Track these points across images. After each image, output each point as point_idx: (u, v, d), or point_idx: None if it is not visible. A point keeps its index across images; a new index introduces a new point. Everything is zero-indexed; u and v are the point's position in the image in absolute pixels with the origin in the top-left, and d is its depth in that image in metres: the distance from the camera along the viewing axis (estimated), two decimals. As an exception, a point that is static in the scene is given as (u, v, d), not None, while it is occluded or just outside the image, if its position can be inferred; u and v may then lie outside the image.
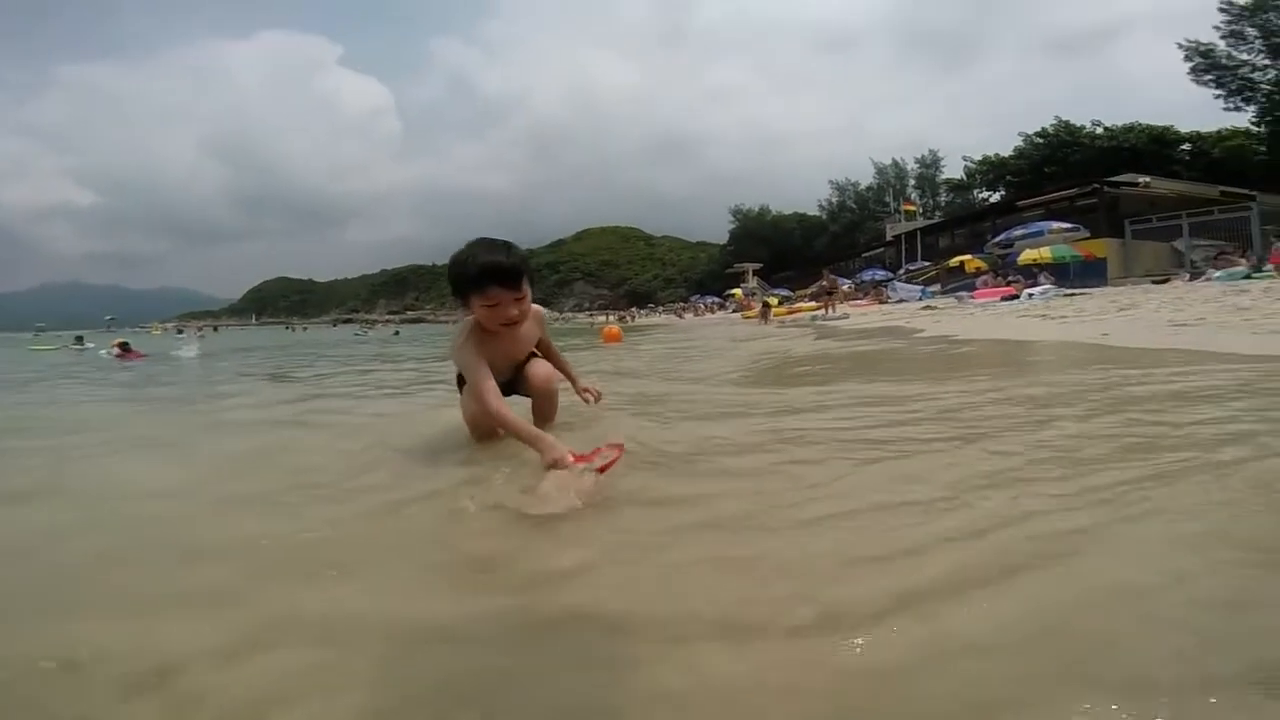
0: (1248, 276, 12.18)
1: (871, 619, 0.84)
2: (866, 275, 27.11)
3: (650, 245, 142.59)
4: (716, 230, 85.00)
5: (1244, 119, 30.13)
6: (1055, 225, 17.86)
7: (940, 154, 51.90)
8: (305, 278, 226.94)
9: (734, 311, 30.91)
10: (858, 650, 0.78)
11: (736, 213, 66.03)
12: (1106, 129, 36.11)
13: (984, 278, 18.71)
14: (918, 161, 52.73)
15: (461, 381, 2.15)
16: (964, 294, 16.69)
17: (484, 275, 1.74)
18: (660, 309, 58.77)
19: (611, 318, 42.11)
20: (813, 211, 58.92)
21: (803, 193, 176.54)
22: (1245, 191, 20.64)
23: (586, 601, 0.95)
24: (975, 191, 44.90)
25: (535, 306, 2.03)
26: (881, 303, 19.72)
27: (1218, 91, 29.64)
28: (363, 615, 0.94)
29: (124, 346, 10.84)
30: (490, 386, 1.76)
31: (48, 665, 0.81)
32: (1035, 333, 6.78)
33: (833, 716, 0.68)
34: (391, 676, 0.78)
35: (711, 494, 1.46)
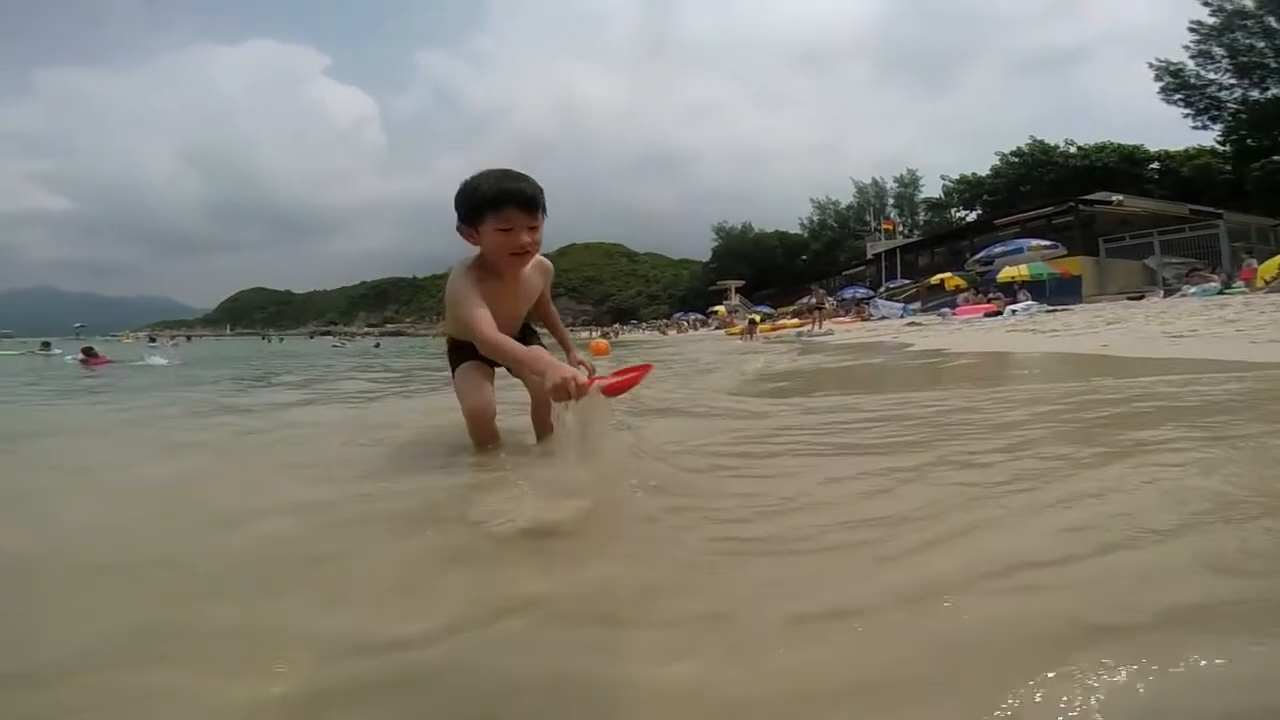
0: (1220, 292, 12.49)
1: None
2: (848, 293, 27.20)
3: (634, 261, 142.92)
4: (699, 247, 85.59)
5: (1210, 138, 30.98)
6: (1034, 242, 18.17)
7: (919, 173, 53.01)
8: (283, 289, 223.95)
9: (716, 328, 30.97)
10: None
11: (719, 230, 66.48)
12: (1080, 148, 36.92)
13: (964, 295, 18.87)
14: (897, 180, 53.78)
15: (454, 366, 1.99)
16: (946, 311, 16.85)
17: (504, 196, 1.64)
18: (644, 325, 58.71)
19: (597, 334, 42.02)
20: (794, 229, 59.60)
21: (785, 210, 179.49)
22: (1212, 210, 21.26)
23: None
24: (953, 210, 45.81)
25: (542, 258, 1.90)
26: (864, 320, 19.85)
27: (1186, 110, 30.31)
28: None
29: (88, 352, 10.54)
30: (484, 315, 1.61)
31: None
32: (1029, 347, 6.78)
33: None
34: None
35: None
